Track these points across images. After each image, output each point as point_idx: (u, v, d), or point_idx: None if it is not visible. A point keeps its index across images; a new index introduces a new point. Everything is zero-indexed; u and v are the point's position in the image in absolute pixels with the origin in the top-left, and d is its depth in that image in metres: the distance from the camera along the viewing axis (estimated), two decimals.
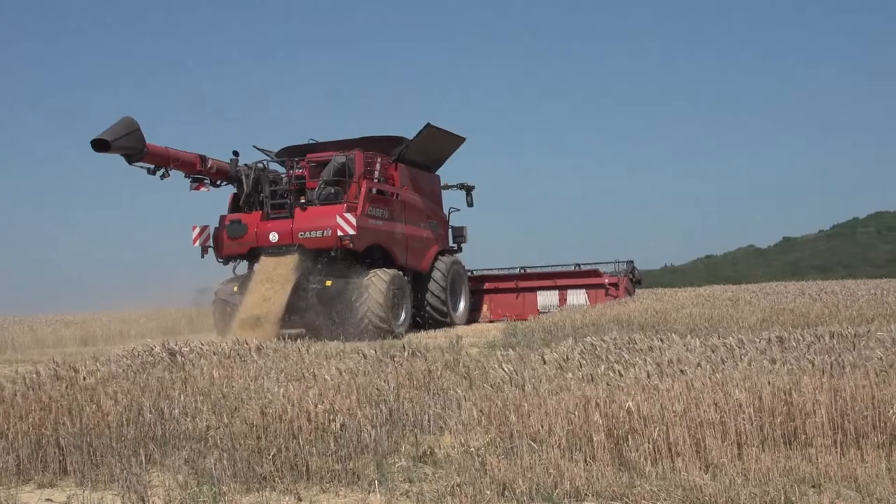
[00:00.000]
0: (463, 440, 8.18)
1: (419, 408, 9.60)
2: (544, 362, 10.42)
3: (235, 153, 23.71)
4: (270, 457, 7.71)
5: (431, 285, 26.41)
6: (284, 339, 15.83)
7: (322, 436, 8.11)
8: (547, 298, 30.04)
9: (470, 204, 30.26)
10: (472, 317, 29.36)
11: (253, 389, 10.00)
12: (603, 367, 9.37)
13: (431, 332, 22.11)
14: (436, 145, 27.68)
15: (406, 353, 12.62)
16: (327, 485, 7.41)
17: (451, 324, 26.52)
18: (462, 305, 28.26)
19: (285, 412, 8.30)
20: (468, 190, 30.27)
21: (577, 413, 7.81)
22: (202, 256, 24.16)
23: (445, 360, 12.52)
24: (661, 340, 11.44)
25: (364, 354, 12.58)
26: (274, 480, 7.46)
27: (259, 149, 25.88)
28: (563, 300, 29.79)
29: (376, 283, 22.83)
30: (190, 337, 17.09)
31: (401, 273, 24.35)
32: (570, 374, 9.24)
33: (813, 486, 6.75)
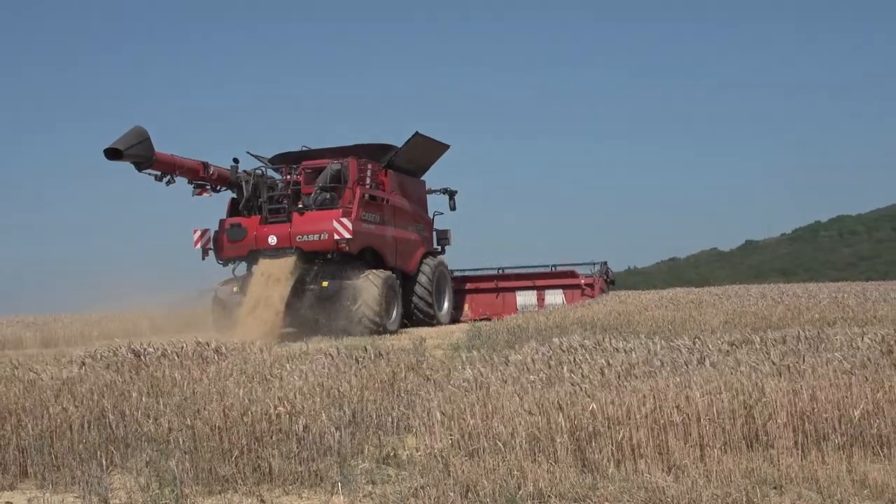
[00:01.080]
0: (426, 442, 8.17)
1: (383, 409, 9.60)
2: (508, 364, 10.43)
3: (235, 160, 24.59)
4: (233, 459, 7.68)
5: (418, 286, 27.42)
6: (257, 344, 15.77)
7: (285, 437, 8.08)
8: (526, 298, 30.90)
9: (453, 208, 31.29)
10: (455, 315, 30.16)
11: (216, 391, 9.96)
12: (566, 369, 9.40)
13: (396, 336, 22.13)
14: (422, 152, 28.88)
15: (370, 355, 12.60)
16: (290, 486, 7.39)
17: (437, 322, 27.49)
18: (446, 305, 29.14)
19: (247, 414, 8.26)
20: (451, 194, 31.26)
21: (540, 415, 7.82)
22: (203, 258, 25.07)
23: (409, 361, 12.51)
24: (626, 342, 11.48)
25: (328, 356, 12.55)
26: (236, 482, 7.43)
27: (253, 155, 26.72)
28: (541, 300, 30.73)
29: (371, 284, 23.88)
30: (153, 338, 17.03)
31: (392, 274, 25.39)
32: (533, 376, 9.25)
33: (774, 488, 6.78)
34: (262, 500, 7.07)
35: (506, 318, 24.53)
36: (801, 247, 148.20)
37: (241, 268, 25.19)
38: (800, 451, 7.50)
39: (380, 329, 23.44)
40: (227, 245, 24.58)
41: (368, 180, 25.84)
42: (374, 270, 24.53)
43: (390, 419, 9.37)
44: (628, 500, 6.51)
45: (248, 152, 26.77)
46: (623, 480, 6.98)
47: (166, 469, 7.67)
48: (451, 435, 8.07)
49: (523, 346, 12.19)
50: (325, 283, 23.79)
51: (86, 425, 8.87)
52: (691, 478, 6.81)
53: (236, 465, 7.61)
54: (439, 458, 7.62)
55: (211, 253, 25.08)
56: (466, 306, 31.49)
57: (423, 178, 30.38)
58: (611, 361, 9.66)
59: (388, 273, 25.08)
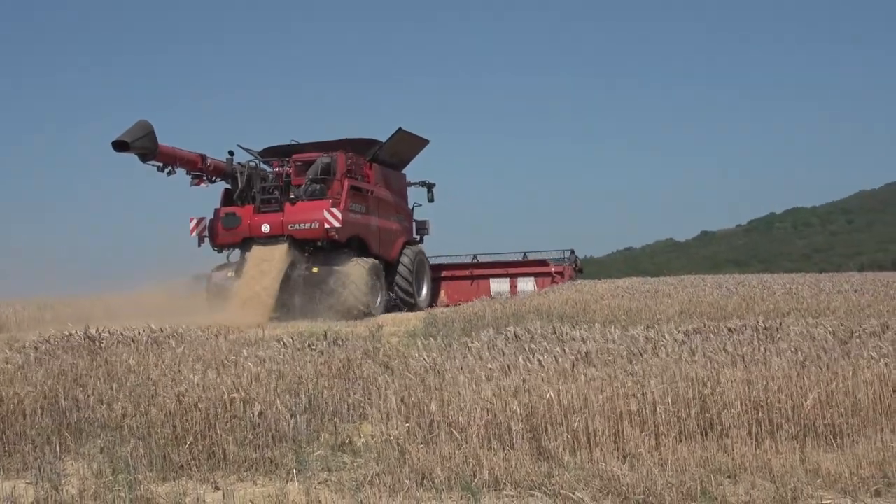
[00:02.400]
0: (382, 429, 8.16)
1: (339, 396, 9.56)
2: (464, 352, 10.43)
3: (231, 153, 26.30)
4: (187, 445, 7.63)
5: (400, 272, 29.02)
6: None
7: (240, 424, 8.04)
8: (499, 285, 32.60)
9: (431, 199, 33.16)
10: (432, 301, 31.63)
11: (170, 377, 9.89)
12: (523, 358, 9.40)
13: (352, 322, 22.10)
14: (404, 147, 30.68)
15: (326, 342, 12.56)
16: (245, 473, 7.36)
17: (416, 307, 28.78)
18: (425, 291, 30.74)
19: (202, 400, 8.21)
20: (429, 187, 33.08)
21: (496, 402, 7.82)
22: (199, 245, 26.65)
23: (365, 348, 12.49)
24: (582, 331, 11.50)
25: (284, 343, 12.50)
26: (191, 469, 7.39)
27: (244, 148, 27.58)
28: (513, 287, 32.44)
29: (358, 270, 25.51)
30: (108, 323, 16.90)
31: (377, 262, 27.05)
32: (490, 364, 9.25)
33: (728, 477, 6.82)
34: (217, 487, 7.03)
35: (462, 305, 25.09)
36: (756, 238, 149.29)
37: (235, 254, 26.82)
38: (754, 441, 7.55)
39: (366, 313, 24.79)
40: (222, 232, 26.18)
41: (355, 173, 27.51)
42: (360, 258, 26.16)
43: (346, 406, 9.34)
44: (583, 489, 6.52)
45: (238, 145, 27.49)
46: (578, 468, 7.00)
47: (120, 455, 7.63)
48: (407, 422, 8.06)
49: (480, 334, 12.17)
50: (315, 269, 25.29)
51: (39, 411, 8.79)
52: (646, 466, 6.83)
53: (191, 452, 7.57)
54: (395, 446, 7.62)
55: (206, 240, 26.60)
56: (443, 292, 32.97)
57: (403, 171, 32.12)
58: (567, 350, 9.66)
59: (374, 260, 26.70)
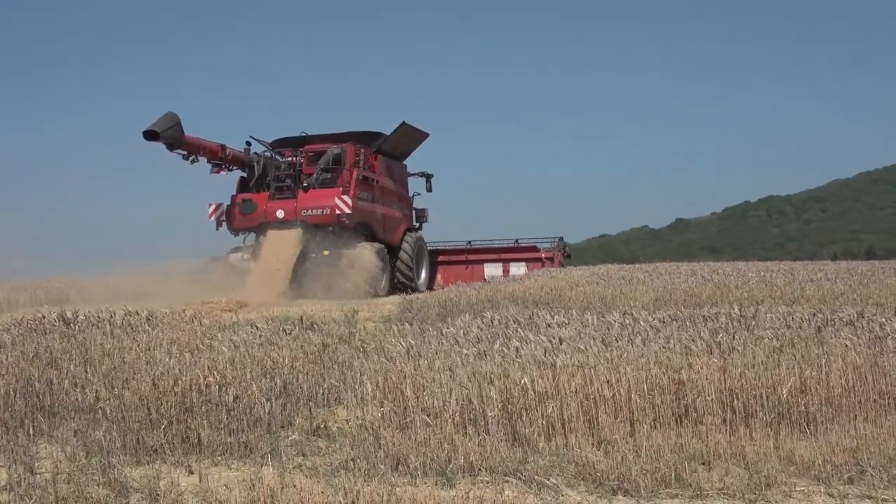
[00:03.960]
0: (357, 414, 8.15)
1: (314, 381, 9.53)
2: (440, 337, 10.43)
3: (248, 143, 28.03)
4: (161, 429, 7.62)
5: (401, 257, 30.62)
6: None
7: (214, 408, 8.03)
8: (493, 270, 34.49)
9: (429, 189, 34.84)
10: (430, 284, 33.33)
11: (145, 360, 9.86)
12: (498, 343, 9.40)
13: (326, 305, 22.06)
14: (407, 140, 32.31)
15: (301, 326, 12.53)
16: (219, 458, 7.34)
17: (416, 289, 29.74)
18: (424, 274, 32.55)
19: (177, 384, 8.19)
20: (428, 177, 34.78)
21: (472, 388, 7.82)
22: (216, 229, 28.28)
23: (341, 333, 12.46)
24: (558, 317, 11.51)
25: (258, 327, 12.47)
26: (165, 453, 7.37)
27: (255, 139, 29.08)
28: (506, 271, 34.20)
29: (366, 254, 27.35)
30: (81, 306, 16.85)
31: (383, 246, 28.84)
32: (466, 350, 9.25)
33: (703, 463, 6.84)
34: (191, 471, 7.01)
35: (438, 291, 25.90)
36: (730, 226, 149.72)
37: (250, 238, 28.58)
38: (728, 428, 7.58)
39: (373, 293, 26.50)
40: (239, 217, 27.99)
41: (362, 163, 28.97)
42: (368, 242, 28.03)
43: (321, 391, 9.32)
44: (558, 474, 6.54)
45: (251, 136, 28.89)
46: (553, 454, 7.01)
47: (94, 439, 7.59)
48: (382, 407, 8.06)
49: (455, 320, 12.17)
50: (326, 253, 26.93)
51: (12, 394, 8.76)
52: (621, 452, 6.85)
53: (165, 436, 7.55)
54: (370, 431, 7.62)
55: (223, 225, 28.32)
56: (439, 276, 34.92)
57: (404, 162, 33.75)
58: (543, 336, 9.67)
59: (381, 245, 28.65)
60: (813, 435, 7.54)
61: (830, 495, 6.26)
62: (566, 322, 11.02)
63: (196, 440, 7.54)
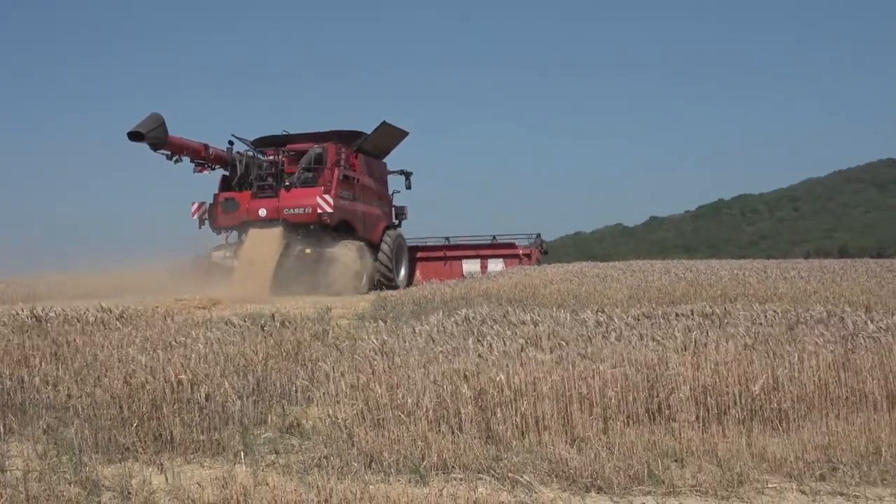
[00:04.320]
0: (331, 412, 8.13)
1: (287, 378, 9.51)
2: (414, 334, 10.42)
3: (230, 143, 28.12)
4: (133, 427, 7.58)
5: (381, 254, 30.63)
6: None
7: (186, 406, 7.99)
8: (471, 266, 34.79)
9: (408, 187, 35.01)
10: (409, 281, 33.41)
11: (117, 358, 9.80)
12: (472, 341, 9.40)
13: (300, 303, 22.04)
14: (387, 138, 32.61)
15: (275, 323, 12.50)
16: (192, 455, 7.32)
17: (396, 286, 30.10)
18: (403, 271, 32.76)
19: (149, 381, 8.15)
20: (407, 175, 34.98)
21: (445, 385, 7.82)
22: (199, 227, 28.51)
23: (314, 330, 12.42)
24: (532, 314, 11.52)
25: (232, 324, 12.42)
26: (137, 451, 7.34)
27: (237, 138, 29.17)
28: (484, 268, 34.42)
29: (347, 252, 27.53)
30: (53, 303, 16.76)
31: (363, 244, 29.01)
32: (439, 347, 9.24)
33: (676, 460, 6.86)
34: (163, 469, 6.97)
35: (412, 288, 26.06)
36: (704, 224, 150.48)
37: (232, 236, 28.81)
38: (701, 425, 7.60)
39: (354, 290, 26.55)
40: (222, 216, 28.12)
41: (343, 162, 29.24)
42: (349, 240, 28.22)
43: (294, 388, 9.29)
44: (532, 472, 6.54)
45: (233, 135, 29.08)
46: (527, 452, 7.02)
47: (65, 437, 7.56)
48: (355, 405, 8.04)
49: (429, 317, 12.16)
50: (307, 251, 27.20)
51: None
52: (594, 450, 6.86)
53: (137, 434, 7.52)
54: (343, 428, 7.60)
55: (206, 223, 28.42)
56: (418, 272, 34.92)
57: (384, 160, 33.94)
58: (516, 333, 9.68)
59: (361, 243, 28.79)
60: (785, 432, 7.58)
61: (802, 492, 6.29)
62: (540, 320, 11.01)
63: (168, 438, 7.52)
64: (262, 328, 12.02)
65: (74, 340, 11.12)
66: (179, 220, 29.91)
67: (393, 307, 17.40)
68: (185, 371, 8.48)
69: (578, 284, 21.11)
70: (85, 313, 13.57)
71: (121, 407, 7.94)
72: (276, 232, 27.33)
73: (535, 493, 6.24)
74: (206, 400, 8.10)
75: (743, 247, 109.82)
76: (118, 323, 12.98)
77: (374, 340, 10.05)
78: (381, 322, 12.40)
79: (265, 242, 27.19)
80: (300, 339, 11.33)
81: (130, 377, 8.32)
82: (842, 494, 6.23)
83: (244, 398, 8.34)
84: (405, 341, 9.94)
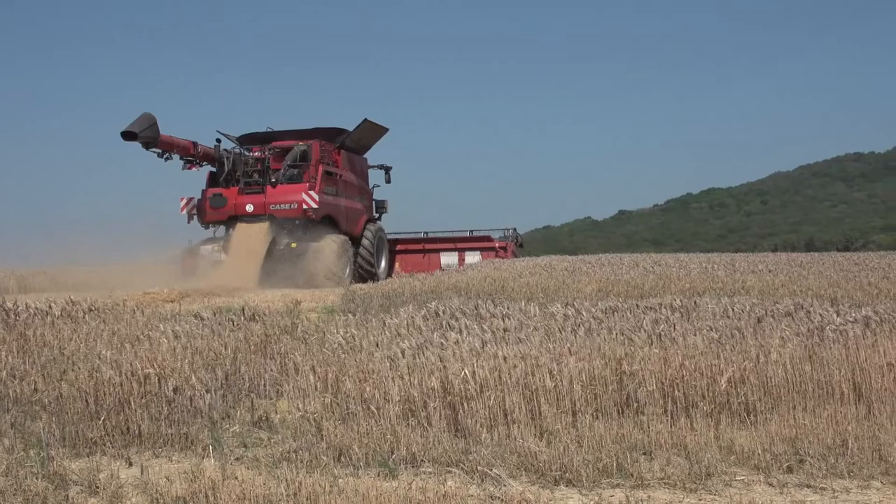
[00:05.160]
0: (299, 405, 8.11)
1: (256, 372, 9.49)
2: (383, 328, 10.41)
3: (218, 140, 29.35)
4: (101, 421, 7.54)
5: (362, 247, 31.95)
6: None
7: (155, 400, 7.96)
8: (449, 258, 36.12)
9: (388, 181, 36.38)
10: (389, 273, 34.04)
11: (84, 351, 9.75)
12: (441, 334, 9.40)
13: (269, 296, 22.01)
14: (368, 135, 33.93)
15: (243, 317, 12.46)
16: (160, 449, 7.29)
17: (377, 278, 30.72)
18: (384, 263, 33.98)
19: (117, 375, 8.10)
20: (387, 170, 36.29)
21: (414, 379, 7.81)
22: (188, 222, 29.97)
23: (283, 324, 12.38)
24: (501, 307, 11.52)
25: (201, 317, 12.37)
26: (104, 445, 7.30)
27: (222, 133, 30.67)
28: (461, 260, 35.78)
29: (331, 245, 28.81)
30: (20, 296, 16.67)
31: (346, 237, 30.30)
32: (408, 341, 9.22)
33: (644, 454, 6.89)
34: (131, 463, 6.95)
35: (381, 282, 26.30)
36: (672, 218, 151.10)
37: (220, 231, 30.25)
38: (669, 418, 7.63)
39: (337, 282, 27.42)
40: (210, 211, 29.38)
41: (327, 159, 30.83)
42: (332, 234, 29.44)
43: (263, 382, 9.27)
44: (501, 465, 6.55)
45: (218, 131, 30.59)
46: (496, 445, 7.02)
47: (32, 431, 7.51)
48: (324, 398, 8.03)
49: (398, 311, 12.14)
50: (293, 244, 28.68)
51: None
52: (563, 443, 6.87)
53: (104, 428, 7.48)
54: (312, 422, 7.59)
55: (195, 218, 29.89)
56: (397, 264, 36.09)
57: (365, 155, 35.29)
58: (485, 326, 9.68)
59: (344, 236, 30.08)
60: (753, 425, 7.62)
61: (770, 484, 6.32)
62: (509, 313, 11.02)
63: (136, 432, 7.49)
64: (231, 322, 11.97)
65: (42, 334, 11.04)
66: (163, 214, 32.10)
67: (362, 300, 17.39)
68: (153, 365, 8.43)
69: (547, 278, 21.18)
70: (52, 307, 13.47)
71: (88, 401, 7.89)
72: (263, 226, 28.49)
73: (505, 486, 6.24)
74: (175, 394, 8.06)
75: (711, 240, 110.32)
76: (87, 317, 12.88)
77: (343, 334, 10.03)
78: (350, 315, 12.39)
79: (252, 237, 28.35)
80: (269, 333, 11.30)
81: (98, 371, 8.27)
82: (809, 486, 6.27)
83: (212, 392, 8.32)
84: (374, 335, 9.93)
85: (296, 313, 14.63)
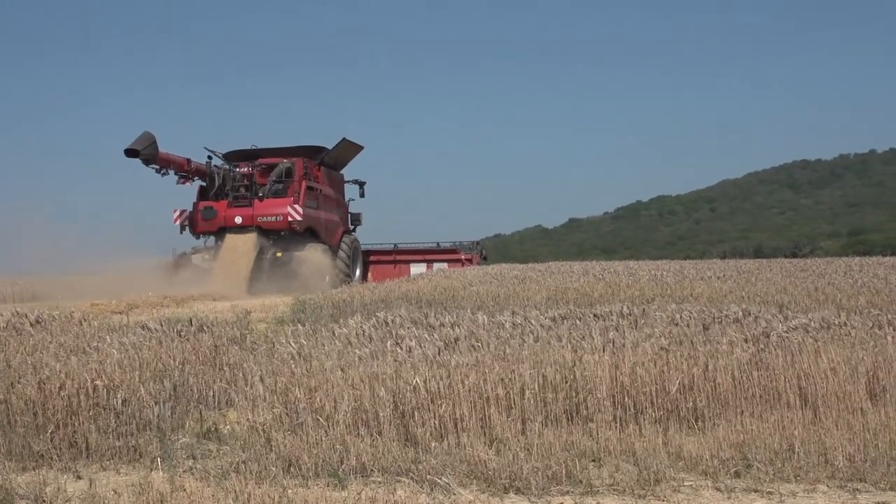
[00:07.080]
0: (248, 416, 8.06)
1: (204, 383, 9.43)
2: (332, 338, 10.38)
3: (209, 157, 32.16)
4: (48, 434, 7.48)
5: (340, 256, 34.36)
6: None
7: (102, 412, 7.89)
8: (417, 269, 38.30)
9: (362, 195, 39.70)
10: (363, 280, 36.68)
11: (30, 363, 9.65)
12: (391, 343, 9.39)
13: (218, 306, 21.91)
14: (345, 152, 36.93)
15: (192, 328, 12.38)
16: (108, 462, 7.24)
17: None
18: (358, 272, 36.80)
19: (64, 387, 8.04)
20: (361, 185, 39.53)
21: (364, 389, 7.81)
22: (181, 233, 32.56)
23: (232, 334, 12.31)
24: (450, 316, 11.53)
25: (149, 328, 12.28)
26: (52, 458, 7.25)
27: (209, 150, 32.95)
28: (430, 270, 37.51)
29: (314, 254, 31.66)
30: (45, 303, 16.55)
31: (327, 247, 33.18)
32: (357, 350, 9.21)
33: (593, 460, 6.92)
34: (79, 477, 6.90)
35: (331, 291, 25.95)
36: (622, 225, 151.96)
37: (210, 241, 32.77)
38: (618, 425, 7.68)
39: (320, 288, 28.32)
40: (201, 222, 32.03)
41: (309, 175, 33.60)
42: (315, 244, 32.41)
43: (212, 393, 9.23)
44: (451, 473, 6.55)
45: (206, 148, 32.90)
46: (446, 454, 7.02)
47: None
48: (273, 409, 8.00)
49: (348, 320, 12.12)
50: (279, 254, 31.34)
51: None
52: (513, 451, 6.90)
53: (52, 441, 7.42)
54: (261, 433, 7.56)
55: (186, 228, 32.40)
56: (370, 274, 38.90)
57: (342, 171, 38.33)
58: (435, 335, 9.68)
59: (325, 246, 33.04)
60: (701, 431, 7.68)
61: (718, 489, 6.38)
62: (458, 322, 11.03)
63: (84, 445, 7.43)
64: (179, 333, 11.89)
65: None
66: (160, 225, 33.10)
67: (312, 310, 17.34)
68: (101, 376, 8.37)
69: (498, 286, 21.23)
70: None
71: (35, 413, 7.82)
72: (251, 237, 31.24)
73: (454, 494, 6.26)
74: (123, 405, 7.99)
75: (661, 247, 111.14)
76: (32, 329, 12.76)
77: (292, 344, 10.00)
78: (299, 325, 12.34)
79: (241, 246, 31.01)
80: (218, 344, 11.23)
81: (44, 383, 8.19)
82: (756, 491, 6.33)
83: (161, 403, 8.25)
84: (323, 345, 9.90)
85: (245, 324, 14.55)
